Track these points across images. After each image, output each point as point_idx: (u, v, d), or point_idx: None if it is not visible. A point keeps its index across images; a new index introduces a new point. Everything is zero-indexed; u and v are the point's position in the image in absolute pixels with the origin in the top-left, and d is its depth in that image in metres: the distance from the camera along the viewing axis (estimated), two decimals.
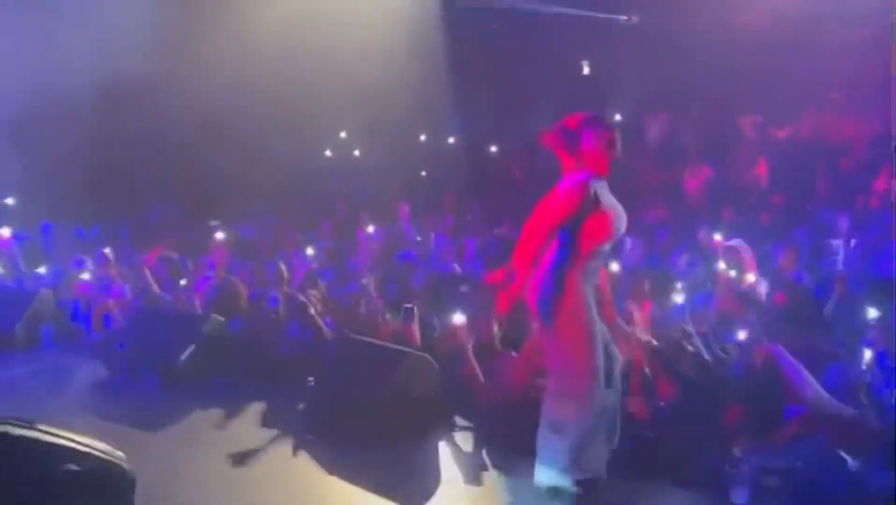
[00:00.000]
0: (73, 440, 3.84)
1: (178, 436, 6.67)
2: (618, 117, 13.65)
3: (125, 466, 3.91)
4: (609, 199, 5.39)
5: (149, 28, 10.52)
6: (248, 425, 6.91)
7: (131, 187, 12.41)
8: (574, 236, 5.27)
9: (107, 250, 10.02)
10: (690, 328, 6.74)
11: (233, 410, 7.21)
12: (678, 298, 7.57)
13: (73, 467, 3.72)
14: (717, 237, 9.13)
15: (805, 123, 12.17)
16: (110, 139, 11.81)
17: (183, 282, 9.59)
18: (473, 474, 6.02)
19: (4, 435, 3.60)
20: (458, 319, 7.10)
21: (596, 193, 5.31)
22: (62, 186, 10.97)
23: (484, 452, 6.36)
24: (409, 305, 7.79)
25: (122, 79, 10.58)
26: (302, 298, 8.36)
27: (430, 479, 5.91)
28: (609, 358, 5.35)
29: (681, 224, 10.44)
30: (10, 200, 11.52)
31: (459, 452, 6.42)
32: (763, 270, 8.30)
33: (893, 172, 9.86)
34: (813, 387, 5.77)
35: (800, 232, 9.44)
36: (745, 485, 5.50)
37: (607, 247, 5.46)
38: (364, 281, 8.92)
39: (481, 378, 6.95)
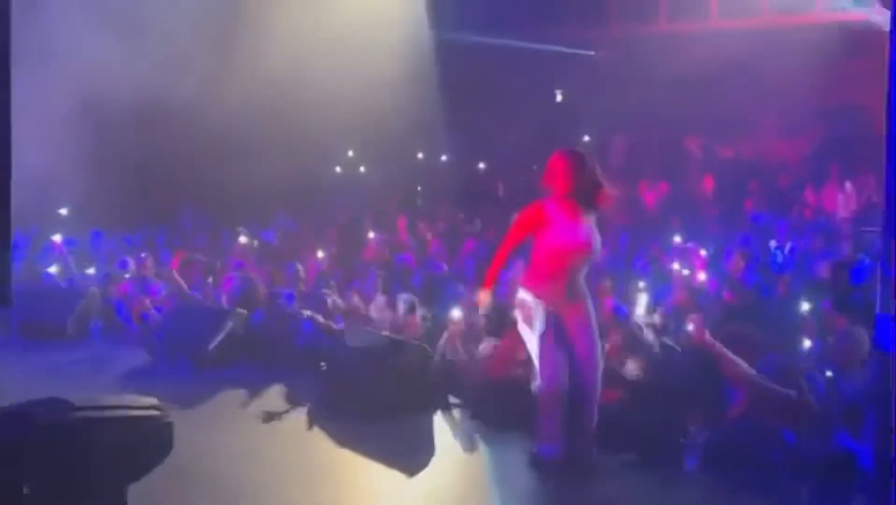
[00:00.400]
0: (109, 406, 3.89)
1: (207, 413, 6.66)
2: (586, 138, 13.71)
3: (163, 414, 3.93)
4: (566, 218, 5.36)
5: (178, 48, 10.47)
6: (268, 404, 6.89)
7: (166, 198, 12.36)
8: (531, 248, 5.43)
9: (144, 254, 9.99)
10: (641, 322, 6.79)
11: (255, 391, 7.20)
12: (638, 295, 7.60)
13: (112, 433, 3.70)
14: (677, 239, 9.17)
15: (745, 145, 12.26)
16: (147, 154, 11.75)
17: (210, 280, 9.58)
18: (464, 445, 6.05)
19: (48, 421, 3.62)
20: (457, 314, 7.13)
21: (548, 213, 5.35)
22: (109, 197, 10.91)
23: (472, 426, 6.38)
24: (407, 296, 7.81)
25: (155, 97, 10.53)
26: (325, 293, 8.43)
27: (426, 449, 5.92)
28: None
29: (641, 231, 10.47)
30: (63, 211, 11.46)
31: (452, 426, 6.43)
32: (712, 271, 8.34)
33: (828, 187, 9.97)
34: (747, 372, 5.80)
35: (743, 238, 9.49)
36: (696, 454, 5.55)
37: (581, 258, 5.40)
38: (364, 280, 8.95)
39: (470, 362, 6.96)
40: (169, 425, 3.94)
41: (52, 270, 9.80)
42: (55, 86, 10.01)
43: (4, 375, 6.82)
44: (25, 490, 3.58)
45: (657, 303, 7.51)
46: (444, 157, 14.20)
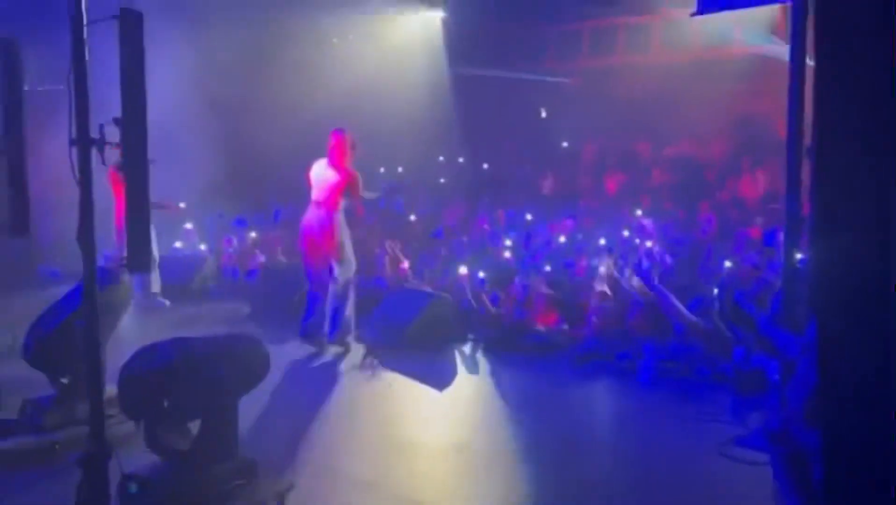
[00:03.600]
0: (224, 341, 3.97)
1: (293, 346, 6.56)
2: (565, 144, 13.63)
3: (260, 344, 3.99)
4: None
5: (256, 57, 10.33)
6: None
7: (260, 190, 12.26)
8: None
9: (253, 234, 9.84)
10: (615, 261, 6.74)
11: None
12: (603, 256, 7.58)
13: (227, 359, 3.76)
14: (639, 212, 9.12)
15: (682, 146, 12.15)
16: (247, 151, 11.46)
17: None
18: (478, 369, 6.11)
19: (181, 354, 3.68)
20: (463, 270, 7.18)
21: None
22: (219, 187, 10.66)
23: (483, 354, 6.44)
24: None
25: (243, 99, 10.49)
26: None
27: (448, 372, 5.98)
28: None
29: (605, 210, 10.42)
30: (182, 204, 11.21)
31: (468, 354, 6.48)
32: (660, 238, 8.29)
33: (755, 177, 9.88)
34: (680, 309, 5.83)
35: (680, 214, 9.42)
36: (648, 370, 5.60)
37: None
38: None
39: (491, 307, 6.97)
40: (266, 355, 3.97)
41: (178, 244, 9.76)
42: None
43: (150, 323, 6.96)
44: (165, 404, 3.63)
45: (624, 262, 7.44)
46: (460, 159, 14.14)
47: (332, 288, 6.28)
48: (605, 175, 11.92)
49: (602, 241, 7.76)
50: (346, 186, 6.25)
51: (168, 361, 3.63)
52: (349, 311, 6.37)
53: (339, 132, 6.33)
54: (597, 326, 6.34)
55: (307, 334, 6.39)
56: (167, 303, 8.06)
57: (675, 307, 5.82)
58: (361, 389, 5.54)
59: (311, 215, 6.27)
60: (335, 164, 6.28)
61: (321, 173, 6.29)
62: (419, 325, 6.59)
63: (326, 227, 6.20)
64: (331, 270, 6.26)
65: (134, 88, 3.27)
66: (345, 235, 6.29)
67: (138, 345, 3.77)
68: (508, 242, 8.54)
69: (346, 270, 6.27)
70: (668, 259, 7.39)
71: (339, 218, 6.25)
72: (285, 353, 6.21)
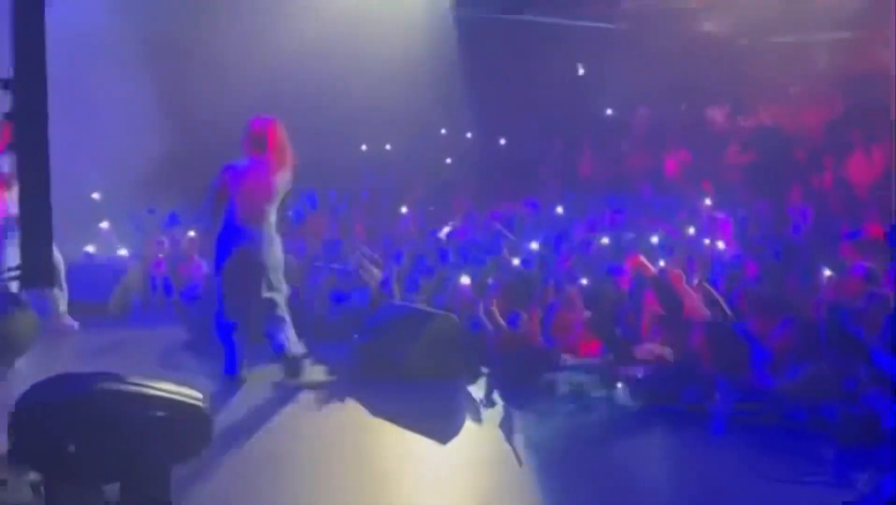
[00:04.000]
0: (157, 388, 3.95)
1: (244, 384, 6.72)
2: (609, 111, 13.65)
3: (203, 405, 4.00)
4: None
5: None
6: (305, 371, 6.99)
7: (196, 178, 12.31)
8: None
9: (192, 234, 9.89)
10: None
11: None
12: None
13: (159, 413, 3.80)
14: (708, 202, 9.14)
15: (766, 113, 12.15)
16: (172, 136, 11.55)
17: None
18: (492, 412, 6.11)
19: (98, 389, 3.69)
20: (465, 280, 7.20)
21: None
22: (147, 172, 10.74)
23: (499, 394, 6.44)
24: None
25: (180, 77, 10.54)
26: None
27: (457, 416, 6.01)
28: None
29: (662, 199, 10.45)
30: (96, 195, 11.30)
31: (480, 393, 6.51)
32: (739, 237, 8.32)
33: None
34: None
35: (762, 204, 9.43)
36: (723, 415, 5.59)
37: None
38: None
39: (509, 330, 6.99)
40: (207, 419, 3.96)
41: (90, 248, 9.79)
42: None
43: (52, 353, 6.98)
44: (71, 448, 3.66)
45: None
46: (468, 134, 14.16)
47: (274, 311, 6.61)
48: (664, 152, 11.94)
49: (655, 240, 7.78)
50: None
51: (77, 393, 3.65)
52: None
53: (272, 121, 6.56)
54: (652, 357, 6.34)
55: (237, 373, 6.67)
56: (76, 325, 8.09)
57: (757, 330, 5.82)
58: (341, 441, 5.54)
59: (239, 230, 6.51)
60: (276, 161, 6.46)
61: (255, 177, 6.52)
62: (416, 354, 6.66)
63: (265, 244, 6.55)
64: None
65: (29, 33, 3.24)
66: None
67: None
68: (534, 246, 8.57)
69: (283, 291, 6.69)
70: (751, 266, 7.41)
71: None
72: (237, 396, 6.25)
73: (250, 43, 11.12)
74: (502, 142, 13.78)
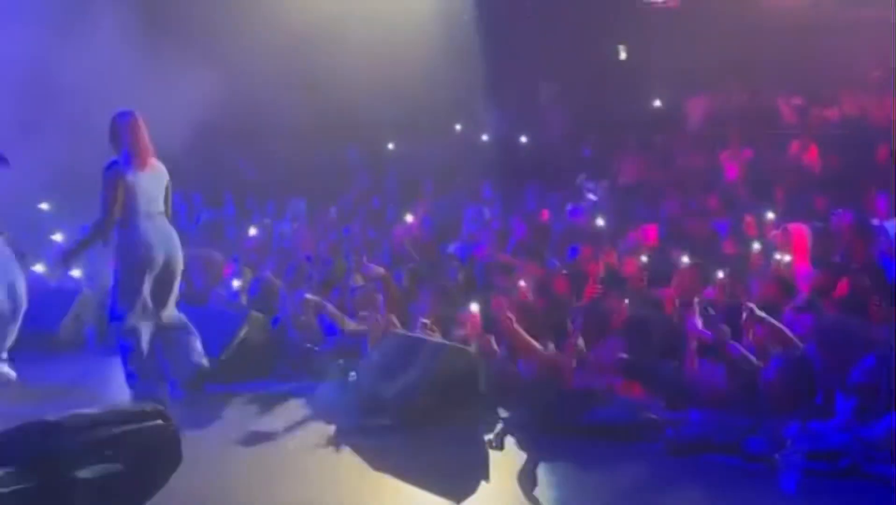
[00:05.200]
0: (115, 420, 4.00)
1: (219, 432, 6.80)
2: (657, 103, 13.67)
3: (167, 423, 4.03)
4: None
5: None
6: (289, 420, 7.04)
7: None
8: None
9: None
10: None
11: (273, 405, 7.37)
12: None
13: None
14: (770, 215, 9.11)
15: (846, 104, 12.12)
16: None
17: (236, 283, 9.64)
18: (512, 464, 6.10)
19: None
20: (474, 307, 7.23)
21: None
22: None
23: (523, 441, 6.44)
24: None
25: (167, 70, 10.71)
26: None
27: (473, 471, 6.00)
28: None
29: (720, 208, 10.42)
30: (44, 205, 11.52)
31: (495, 438, 6.46)
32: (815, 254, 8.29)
33: None
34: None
35: (840, 215, 9.37)
36: (794, 469, 5.57)
37: None
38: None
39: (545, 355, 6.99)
40: (175, 436, 4.00)
41: (39, 268, 9.89)
42: None
43: None
44: None
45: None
46: (485, 133, 14.20)
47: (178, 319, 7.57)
48: (723, 151, 11.95)
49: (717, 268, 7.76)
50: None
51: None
52: None
53: (133, 113, 7.50)
54: (705, 399, 6.33)
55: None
56: (13, 375, 8.04)
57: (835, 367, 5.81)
58: (334, 500, 5.55)
59: (150, 227, 7.42)
60: (145, 155, 7.45)
61: (150, 173, 7.48)
62: (423, 394, 6.67)
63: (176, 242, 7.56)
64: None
65: None
66: None
67: None
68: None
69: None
70: (829, 287, 7.38)
71: None
72: (209, 442, 6.28)
73: (245, 33, 11.31)
74: (524, 140, 13.80)
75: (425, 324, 7.49)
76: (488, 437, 6.40)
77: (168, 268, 7.49)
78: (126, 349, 7.45)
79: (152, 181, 7.48)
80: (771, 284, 7.55)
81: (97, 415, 4.14)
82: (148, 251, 7.36)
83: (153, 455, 3.94)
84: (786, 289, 7.42)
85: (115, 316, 7.48)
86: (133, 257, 7.38)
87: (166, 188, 7.61)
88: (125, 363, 7.49)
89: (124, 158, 7.38)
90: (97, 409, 4.28)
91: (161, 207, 7.54)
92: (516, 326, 7.06)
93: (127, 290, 7.39)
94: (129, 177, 7.35)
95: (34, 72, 10.52)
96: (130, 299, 7.36)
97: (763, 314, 6.59)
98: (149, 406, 4.16)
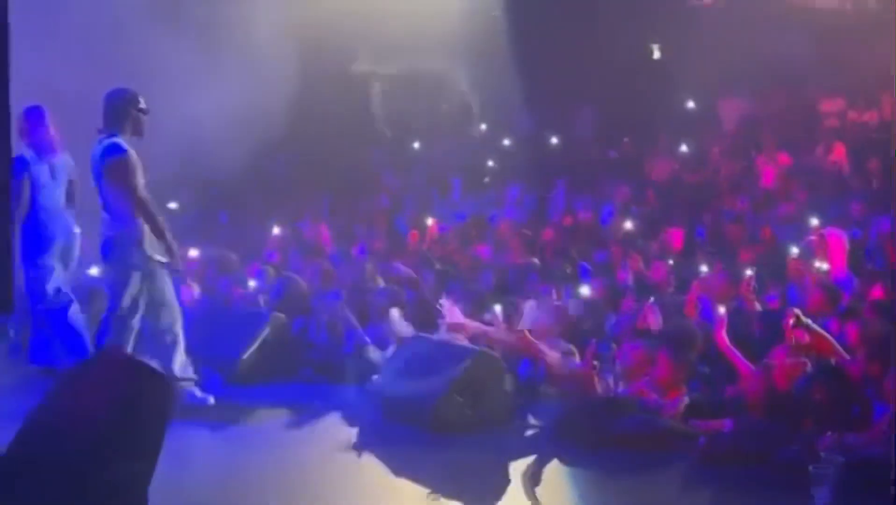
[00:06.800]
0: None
1: (239, 438, 6.82)
2: (690, 104, 13.61)
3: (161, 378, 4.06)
4: None
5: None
6: (311, 426, 7.07)
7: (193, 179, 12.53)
8: None
9: (193, 253, 9.94)
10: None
11: (295, 410, 7.37)
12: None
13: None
14: (815, 222, 9.05)
15: (885, 107, 12.03)
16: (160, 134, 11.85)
17: (252, 284, 9.67)
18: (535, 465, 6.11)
19: None
20: (497, 308, 7.21)
21: None
22: None
23: (546, 445, 6.44)
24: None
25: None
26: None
27: (499, 481, 5.99)
28: None
29: (756, 214, 10.36)
30: None
31: (522, 445, 6.49)
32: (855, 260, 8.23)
33: None
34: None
35: (882, 222, 9.30)
36: (831, 482, 5.51)
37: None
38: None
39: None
40: (169, 389, 4.01)
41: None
42: None
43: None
44: None
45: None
46: (505, 141, 14.18)
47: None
48: (759, 155, 11.88)
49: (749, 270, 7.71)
50: None
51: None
52: None
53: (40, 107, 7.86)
54: (741, 406, 6.29)
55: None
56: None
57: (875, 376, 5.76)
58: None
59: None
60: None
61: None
62: (449, 400, 6.66)
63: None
64: None
65: None
66: None
67: None
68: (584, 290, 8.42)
69: None
70: (870, 294, 7.32)
71: None
72: (229, 448, 6.32)
73: (268, 33, 11.38)
74: (555, 141, 13.78)
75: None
76: (526, 453, 6.37)
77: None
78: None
79: (59, 174, 7.84)
80: (815, 291, 7.48)
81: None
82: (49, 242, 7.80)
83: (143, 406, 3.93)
84: (830, 296, 7.35)
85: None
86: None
87: (71, 182, 7.95)
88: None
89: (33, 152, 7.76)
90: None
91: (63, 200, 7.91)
92: (551, 330, 7.04)
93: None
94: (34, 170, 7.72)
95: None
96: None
97: (809, 321, 6.54)
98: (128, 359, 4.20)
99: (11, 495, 3.76)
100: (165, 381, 4.13)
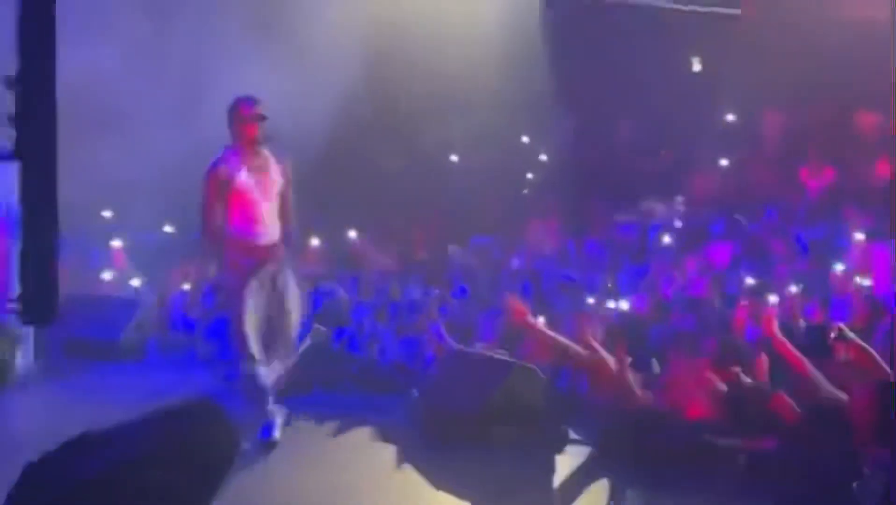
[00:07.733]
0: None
1: (280, 449, 6.80)
2: (731, 117, 13.54)
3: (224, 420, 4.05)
4: None
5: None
6: (350, 438, 7.11)
7: None
8: None
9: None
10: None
11: (334, 422, 7.40)
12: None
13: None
14: (860, 237, 8.99)
15: None
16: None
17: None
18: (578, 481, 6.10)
19: None
20: (540, 320, 7.25)
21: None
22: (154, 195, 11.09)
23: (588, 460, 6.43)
24: None
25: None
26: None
27: (539, 491, 6.00)
28: None
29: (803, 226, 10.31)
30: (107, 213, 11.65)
31: (568, 466, 6.49)
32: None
33: None
34: None
35: None
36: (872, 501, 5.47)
37: None
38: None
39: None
40: (231, 431, 3.96)
41: (107, 276, 10.06)
42: None
43: (46, 405, 7.18)
44: None
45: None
46: (541, 157, 14.17)
47: None
48: (803, 168, 11.81)
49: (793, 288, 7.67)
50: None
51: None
52: None
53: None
54: (784, 424, 6.26)
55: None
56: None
57: None
58: None
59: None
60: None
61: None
62: (489, 414, 6.68)
63: None
64: None
65: (36, 25, 3.37)
66: None
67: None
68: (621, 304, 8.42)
69: None
70: None
71: None
72: (271, 459, 6.38)
73: (306, 44, 11.48)
74: (593, 153, 13.75)
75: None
76: (568, 468, 6.37)
77: None
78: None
79: None
80: (860, 305, 7.43)
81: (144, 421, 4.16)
82: None
83: (209, 449, 3.91)
84: (875, 311, 7.30)
85: None
86: None
87: None
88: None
89: None
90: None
91: None
92: (594, 342, 7.02)
93: None
94: None
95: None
96: None
97: (852, 335, 6.50)
98: (196, 405, 4.14)
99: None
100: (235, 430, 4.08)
